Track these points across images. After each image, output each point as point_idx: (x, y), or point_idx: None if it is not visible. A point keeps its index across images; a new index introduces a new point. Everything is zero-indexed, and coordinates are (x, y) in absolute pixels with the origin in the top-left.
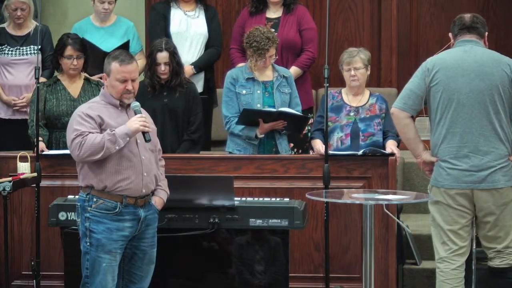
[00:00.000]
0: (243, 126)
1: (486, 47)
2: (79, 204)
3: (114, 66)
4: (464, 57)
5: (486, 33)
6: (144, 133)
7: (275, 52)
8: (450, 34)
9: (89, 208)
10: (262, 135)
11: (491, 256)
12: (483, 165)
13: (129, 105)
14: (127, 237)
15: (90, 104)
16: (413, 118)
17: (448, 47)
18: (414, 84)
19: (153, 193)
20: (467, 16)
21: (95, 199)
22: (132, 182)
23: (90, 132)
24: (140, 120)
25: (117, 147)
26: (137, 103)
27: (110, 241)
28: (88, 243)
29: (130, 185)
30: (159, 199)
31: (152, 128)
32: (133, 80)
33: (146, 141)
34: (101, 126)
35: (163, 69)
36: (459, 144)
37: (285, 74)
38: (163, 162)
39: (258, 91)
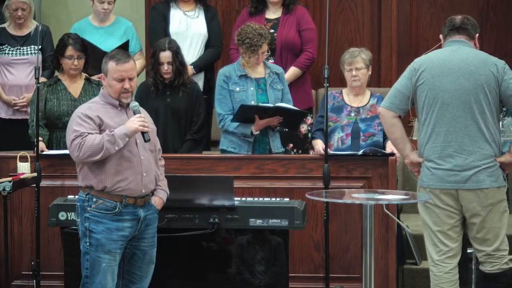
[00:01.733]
0: (238, 124)
1: (477, 48)
2: (78, 204)
3: (111, 65)
4: (451, 56)
5: (477, 34)
6: (143, 133)
7: (267, 48)
8: (440, 36)
9: (88, 208)
10: (258, 132)
11: (481, 260)
12: (467, 164)
13: (128, 104)
14: (127, 237)
15: (89, 105)
16: (407, 118)
17: (439, 48)
18: (401, 84)
19: (152, 193)
20: (458, 18)
21: (94, 199)
22: (131, 182)
23: (89, 133)
24: (139, 120)
25: (116, 148)
26: (136, 103)
27: (110, 241)
28: (87, 243)
29: (129, 185)
30: (158, 199)
31: (151, 128)
32: (130, 79)
33: (145, 141)
34: (101, 127)
35: (166, 68)
36: (444, 144)
37: (276, 70)
38: (163, 162)
39: (252, 88)
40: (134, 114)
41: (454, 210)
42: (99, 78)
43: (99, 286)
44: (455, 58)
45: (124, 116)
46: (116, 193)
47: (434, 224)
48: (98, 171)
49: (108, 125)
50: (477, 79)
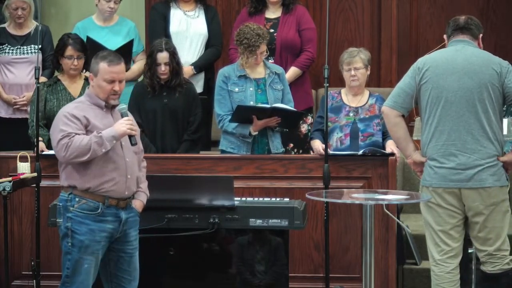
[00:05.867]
0: (236, 124)
1: (480, 48)
2: (61, 204)
3: (102, 66)
4: (455, 56)
5: (481, 35)
6: (130, 136)
7: (266, 49)
8: (444, 36)
9: (71, 208)
10: (256, 132)
11: (483, 260)
12: (470, 163)
13: (114, 106)
14: (109, 238)
15: (75, 104)
16: (408, 117)
17: (442, 48)
18: (404, 83)
19: (133, 195)
20: (462, 18)
21: (77, 199)
22: (116, 184)
23: (76, 134)
24: (127, 123)
25: (103, 150)
26: (124, 106)
27: (93, 242)
28: (69, 243)
29: (114, 186)
30: (139, 202)
31: (136, 129)
32: (120, 81)
33: (132, 144)
34: (87, 128)
35: (163, 69)
36: (447, 142)
37: (277, 70)
38: (145, 164)
39: (251, 89)
40: (122, 116)
41: (457, 210)
42: None
43: (80, 286)
44: (459, 57)
45: (110, 117)
46: (99, 193)
47: (436, 224)
48: (83, 171)
49: (95, 125)
50: (481, 78)
